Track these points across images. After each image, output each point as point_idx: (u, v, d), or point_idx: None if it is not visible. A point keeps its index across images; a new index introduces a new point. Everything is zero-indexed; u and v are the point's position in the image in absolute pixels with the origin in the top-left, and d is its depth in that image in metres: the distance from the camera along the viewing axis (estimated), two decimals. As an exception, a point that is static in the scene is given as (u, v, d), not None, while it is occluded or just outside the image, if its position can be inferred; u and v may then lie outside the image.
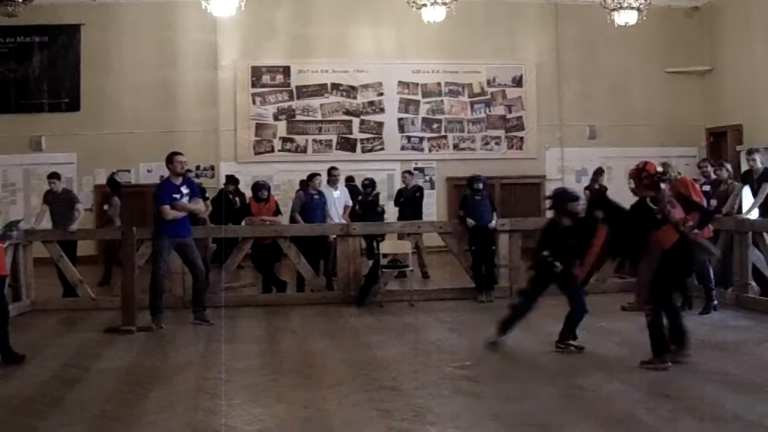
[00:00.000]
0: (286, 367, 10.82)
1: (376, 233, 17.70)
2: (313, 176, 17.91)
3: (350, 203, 18.78)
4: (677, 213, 14.37)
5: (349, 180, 21.41)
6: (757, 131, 24.37)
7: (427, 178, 26.54)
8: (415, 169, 25.90)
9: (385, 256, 16.53)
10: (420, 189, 20.59)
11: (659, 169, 10.86)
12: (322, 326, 13.97)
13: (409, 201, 19.96)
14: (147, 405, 8.86)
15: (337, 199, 18.16)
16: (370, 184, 20.22)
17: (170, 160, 13.98)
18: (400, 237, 17.61)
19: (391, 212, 20.87)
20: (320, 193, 17.77)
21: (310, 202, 17.54)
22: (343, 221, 17.60)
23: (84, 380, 10.18)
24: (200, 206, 14.14)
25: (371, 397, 9.07)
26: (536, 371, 10.15)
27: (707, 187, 16.30)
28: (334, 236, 16.91)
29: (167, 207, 13.67)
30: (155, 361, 11.27)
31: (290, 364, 11.08)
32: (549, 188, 25.88)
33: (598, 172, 19.69)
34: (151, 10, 24.69)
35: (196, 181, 20.84)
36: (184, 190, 13.88)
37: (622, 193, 22.24)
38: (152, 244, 14.14)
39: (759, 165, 15.95)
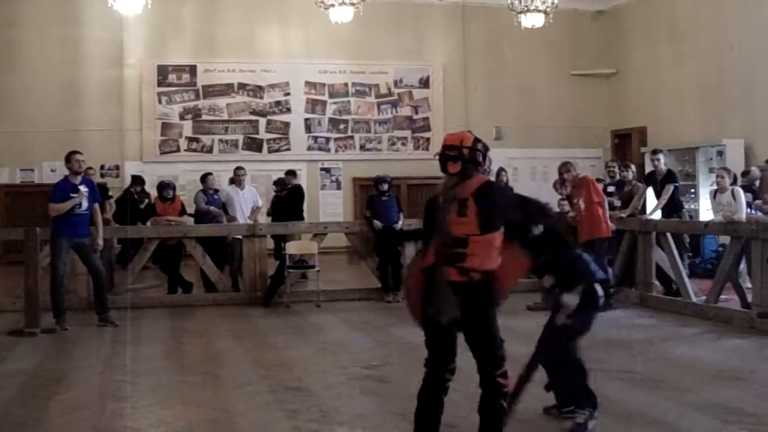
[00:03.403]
0: (192, 369, 10.76)
1: (283, 233, 17.69)
2: (206, 176, 17.91)
3: (259, 203, 18.71)
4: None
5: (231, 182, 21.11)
6: (661, 133, 24.81)
7: (334, 178, 26.57)
8: (322, 169, 26.05)
9: (291, 256, 16.50)
10: (295, 189, 20.27)
11: None
12: (228, 327, 13.93)
13: (282, 201, 19.79)
14: (51, 408, 8.75)
15: (245, 199, 18.09)
16: (279, 182, 20.19)
17: (68, 159, 13.83)
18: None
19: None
20: (218, 193, 17.85)
21: (211, 202, 17.54)
22: (250, 221, 17.52)
23: (-14, 383, 10.02)
24: (75, 200, 13.82)
25: (278, 398, 9.07)
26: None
27: (612, 188, 16.64)
28: (240, 236, 16.88)
29: (52, 204, 13.57)
30: (59, 364, 11.13)
31: (196, 365, 11.02)
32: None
33: (498, 172, 19.95)
34: (56, 6, 24.33)
35: (101, 180, 20.72)
36: (83, 189, 13.70)
37: (528, 193, 22.54)
38: (50, 245, 13.94)
39: (662, 166, 16.28)
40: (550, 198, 18.17)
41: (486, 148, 6.58)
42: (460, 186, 6.37)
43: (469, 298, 6.25)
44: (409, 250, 16.36)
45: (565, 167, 15.14)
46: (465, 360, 6.84)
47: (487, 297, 6.30)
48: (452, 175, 6.46)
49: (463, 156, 6.43)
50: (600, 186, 15.49)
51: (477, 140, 6.55)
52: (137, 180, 21.21)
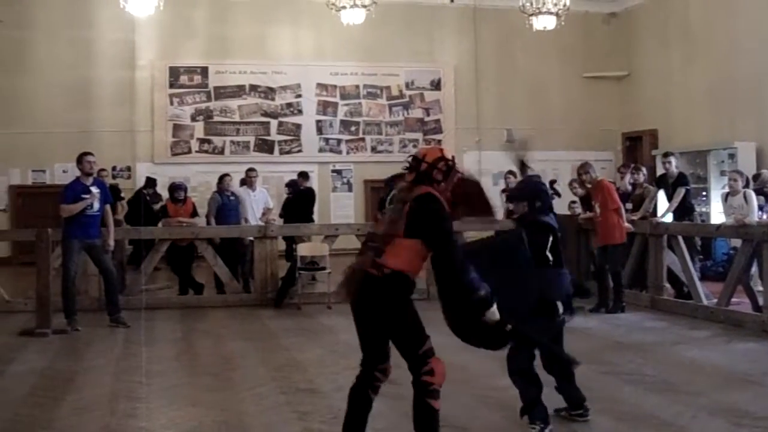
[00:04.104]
0: (203, 370, 10.78)
1: (294, 235, 17.69)
2: (223, 177, 17.86)
3: (270, 205, 18.69)
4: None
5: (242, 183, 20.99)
6: (672, 136, 24.78)
7: (345, 180, 26.59)
8: (333, 171, 26.06)
9: (302, 258, 16.50)
10: (305, 191, 20.25)
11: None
12: (239, 328, 13.95)
13: (292, 203, 19.82)
14: (63, 409, 8.76)
15: (256, 200, 18.09)
16: (291, 184, 20.19)
17: (80, 160, 13.86)
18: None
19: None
20: (234, 195, 17.75)
21: (227, 204, 17.48)
22: (261, 223, 17.53)
23: (-3, 384, 10.04)
24: (86, 201, 13.82)
25: (289, 400, 9.08)
26: (453, 372, 10.18)
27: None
28: (251, 238, 16.90)
29: (64, 205, 13.59)
30: (71, 364, 11.14)
31: (207, 366, 11.03)
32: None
33: (506, 175, 19.93)
34: (68, 7, 24.39)
35: (112, 182, 20.75)
36: (94, 190, 13.72)
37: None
38: (61, 246, 13.95)
39: (674, 169, 16.23)
40: (565, 197, 18.34)
41: (450, 169, 6.79)
42: (409, 190, 6.69)
43: (376, 292, 6.53)
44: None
45: (583, 168, 15.16)
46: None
47: (391, 294, 6.52)
48: (408, 182, 6.77)
49: (419, 169, 6.73)
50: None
51: (442, 159, 6.78)
52: (150, 182, 21.30)
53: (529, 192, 8.21)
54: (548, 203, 8.25)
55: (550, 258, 7.77)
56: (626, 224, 14.94)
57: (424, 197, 6.60)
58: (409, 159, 6.92)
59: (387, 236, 6.60)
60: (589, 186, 15.28)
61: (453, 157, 6.91)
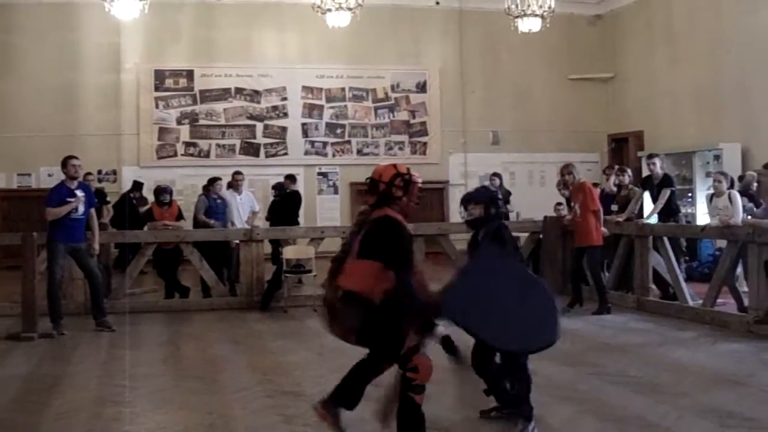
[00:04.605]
0: (189, 373, 10.76)
1: (280, 238, 17.67)
2: (213, 180, 17.83)
3: (256, 208, 18.69)
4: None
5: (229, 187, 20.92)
6: (658, 137, 24.80)
7: (331, 182, 26.57)
8: (319, 174, 26.03)
9: (288, 261, 16.47)
10: (291, 194, 20.25)
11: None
12: (225, 332, 13.93)
13: (277, 206, 19.79)
14: (48, 413, 8.75)
15: (242, 204, 18.08)
16: (278, 186, 20.16)
17: (64, 164, 13.83)
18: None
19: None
20: (221, 198, 17.72)
21: (213, 207, 17.47)
22: (247, 226, 17.51)
23: (-17, 389, 10.00)
24: (72, 205, 13.79)
25: (275, 403, 9.07)
26: (440, 374, 10.18)
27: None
28: (237, 242, 16.89)
29: (49, 208, 13.54)
30: (57, 369, 11.11)
31: (193, 370, 11.01)
32: (453, 193, 26.10)
33: (491, 177, 19.95)
34: (53, 11, 24.27)
35: (98, 185, 20.69)
36: (80, 193, 13.68)
37: (525, 197, 22.60)
38: (46, 249, 13.91)
39: (659, 170, 16.24)
40: (551, 199, 18.40)
41: (408, 182, 7.01)
42: (368, 214, 7.00)
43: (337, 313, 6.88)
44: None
45: (566, 169, 15.25)
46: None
47: (351, 311, 6.72)
48: (370, 205, 7.05)
49: (378, 190, 6.95)
50: (597, 192, 15.54)
51: (398, 175, 6.99)
52: (137, 185, 21.27)
53: (487, 197, 8.28)
54: (502, 214, 8.37)
55: None
56: (603, 229, 15.00)
57: (382, 220, 6.81)
58: (367, 181, 7.07)
59: (337, 259, 7.05)
60: (571, 187, 15.37)
61: (408, 169, 7.10)
